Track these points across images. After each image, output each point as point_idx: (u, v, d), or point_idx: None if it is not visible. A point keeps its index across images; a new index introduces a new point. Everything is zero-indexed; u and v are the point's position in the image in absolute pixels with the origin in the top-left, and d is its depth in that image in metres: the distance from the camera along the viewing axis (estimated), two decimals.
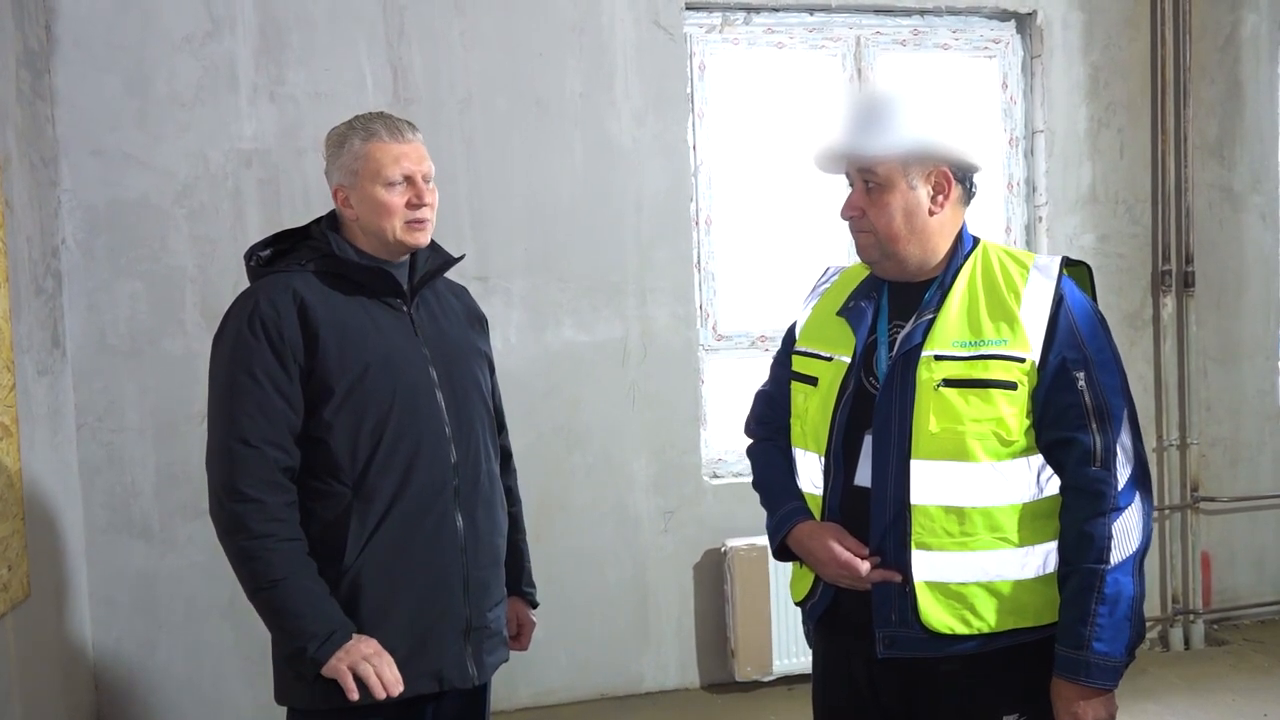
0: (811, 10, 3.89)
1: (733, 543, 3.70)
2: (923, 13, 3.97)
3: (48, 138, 3.23)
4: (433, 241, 2.01)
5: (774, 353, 2.07)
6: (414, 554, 1.88)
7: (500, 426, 2.17)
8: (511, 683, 3.54)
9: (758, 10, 3.85)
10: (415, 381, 1.90)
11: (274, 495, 1.80)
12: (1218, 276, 4.21)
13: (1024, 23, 4.08)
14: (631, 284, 3.73)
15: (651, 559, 3.78)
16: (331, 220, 1.99)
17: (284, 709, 1.93)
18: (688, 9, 3.76)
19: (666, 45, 3.73)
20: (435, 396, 1.92)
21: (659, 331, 3.76)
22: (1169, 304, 4.15)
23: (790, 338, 2.00)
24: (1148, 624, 4.14)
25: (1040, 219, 4.09)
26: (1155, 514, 4.10)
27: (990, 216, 4.12)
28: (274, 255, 1.96)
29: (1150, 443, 4.17)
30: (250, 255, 1.96)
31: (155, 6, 3.34)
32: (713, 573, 3.80)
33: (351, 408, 1.84)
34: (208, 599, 3.40)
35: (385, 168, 1.89)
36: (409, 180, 1.91)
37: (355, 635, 1.81)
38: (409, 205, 1.90)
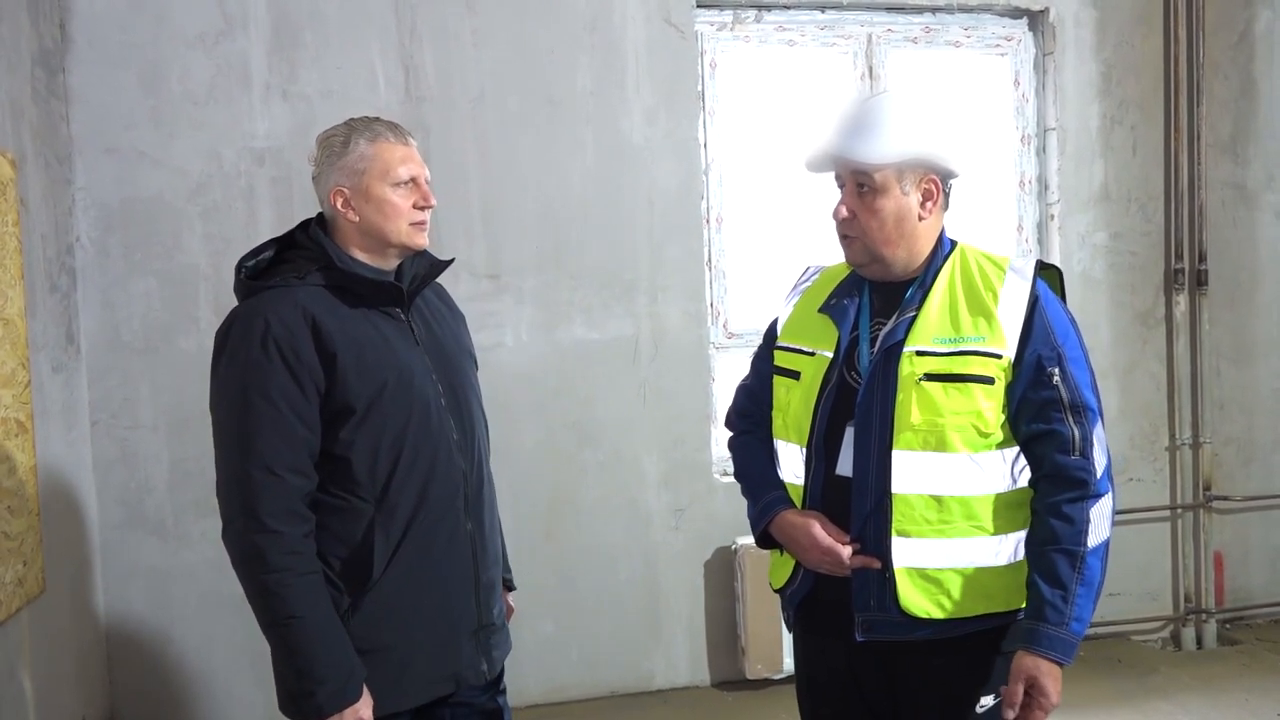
0: (823, 8, 3.89)
1: (743, 540, 3.69)
2: (934, 10, 3.96)
3: (62, 136, 3.25)
4: None
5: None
6: (433, 564, 1.88)
7: None
8: (522, 679, 3.54)
9: (769, 8, 3.85)
10: (426, 394, 1.89)
11: (294, 526, 1.77)
12: (1231, 274, 4.19)
13: (1036, 20, 4.07)
14: (643, 282, 3.73)
15: (662, 556, 3.78)
16: (319, 226, 1.94)
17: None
18: (699, 7, 3.76)
19: (678, 43, 3.72)
20: (441, 406, 1.92)
21: (670, 329, 3.76)
22: (1182, 302, 4.13)
23: (772, 334, 2.06)
24: (1159, 623, 4.16)
25: (1052, 217, 4.08)
26: (1168, 513, 4.15)
27: (1002, 214, 4.11)
28: (263, 266, 1.89)
29: (1163, 441, 4.17)
30: (239, 268, 1.89)
31: (169, 5, 3.35)
32: (723, 570, 3.80)
33: (371, 425, 1.83)
34: (220, 594, 3.40)
35: (393, 168, 1.88)
36: (414, 182, 1.91)
37: (362, 693, 1.79)
38: (415, 206, 1.90)
